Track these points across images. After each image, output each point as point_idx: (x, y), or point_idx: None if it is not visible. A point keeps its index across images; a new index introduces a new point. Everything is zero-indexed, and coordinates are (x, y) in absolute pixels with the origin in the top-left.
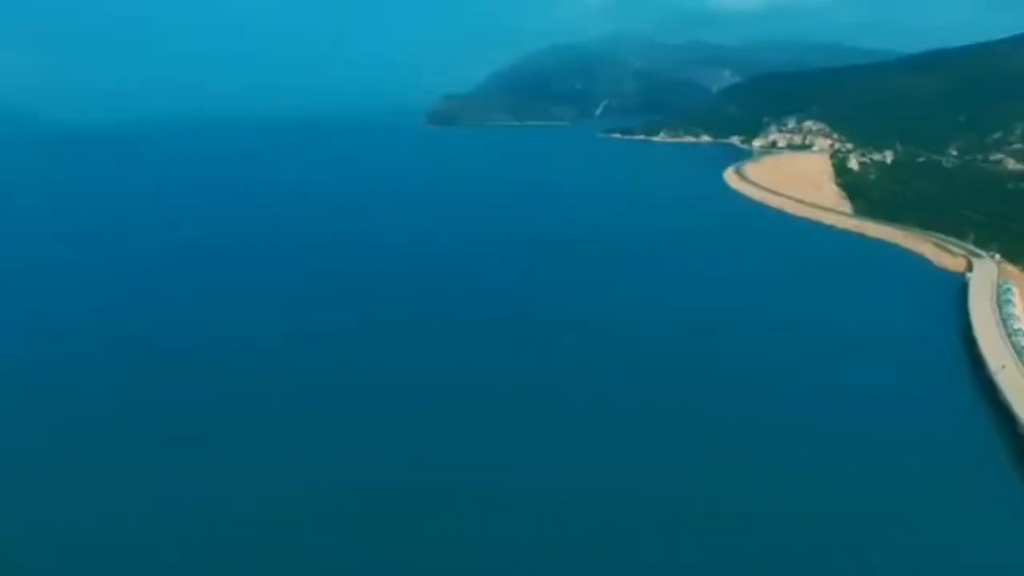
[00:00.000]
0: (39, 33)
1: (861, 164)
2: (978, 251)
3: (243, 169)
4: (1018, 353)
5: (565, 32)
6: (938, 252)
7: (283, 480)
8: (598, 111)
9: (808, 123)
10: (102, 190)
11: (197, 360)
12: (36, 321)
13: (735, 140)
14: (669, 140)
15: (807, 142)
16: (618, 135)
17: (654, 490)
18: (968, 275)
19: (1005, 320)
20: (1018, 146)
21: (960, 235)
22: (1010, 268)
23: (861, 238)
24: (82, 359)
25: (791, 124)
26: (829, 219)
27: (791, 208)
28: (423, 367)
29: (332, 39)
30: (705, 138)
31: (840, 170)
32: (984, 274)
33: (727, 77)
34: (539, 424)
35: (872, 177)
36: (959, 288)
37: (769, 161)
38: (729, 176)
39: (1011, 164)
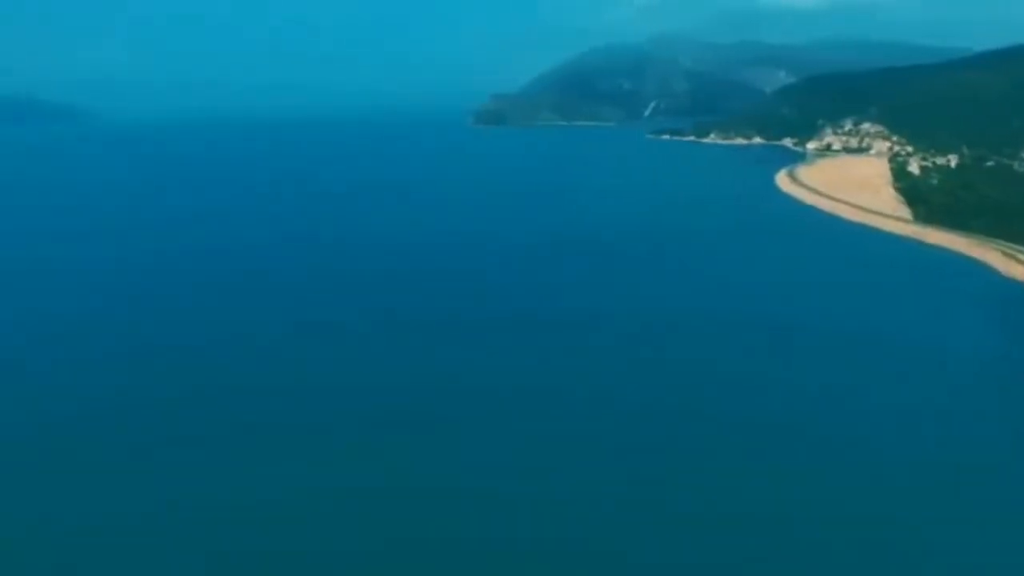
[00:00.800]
0: (85, 32)
1: (922, 168)
2: None
3: (289, 167)
4: None
5: (614, 32)
6: (1006, 261)
7: (305, 478)
8: (647, 112)
9: (866, 125)
10: (160, 185)
11: (237, 352)
12: (71, 312)
13: (788, 142)
14: (720, 142)
15: (864, 145)
16: (667, 136)
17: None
18: None
19: None
20: None
21: None
22: None
23: (921, 245)
24: (120, 350)
25: (847, 126)
26: (887, 225)
27: (845, 213)
28: (466, 367)
29: (384, 40)
30: (757, 140)
31: (899, 174)
32: None
33: (781, 78)
34: (589, 426)
35: (934, 182)
36: None
37: (823, 164)
38: (781, 179)
39: None
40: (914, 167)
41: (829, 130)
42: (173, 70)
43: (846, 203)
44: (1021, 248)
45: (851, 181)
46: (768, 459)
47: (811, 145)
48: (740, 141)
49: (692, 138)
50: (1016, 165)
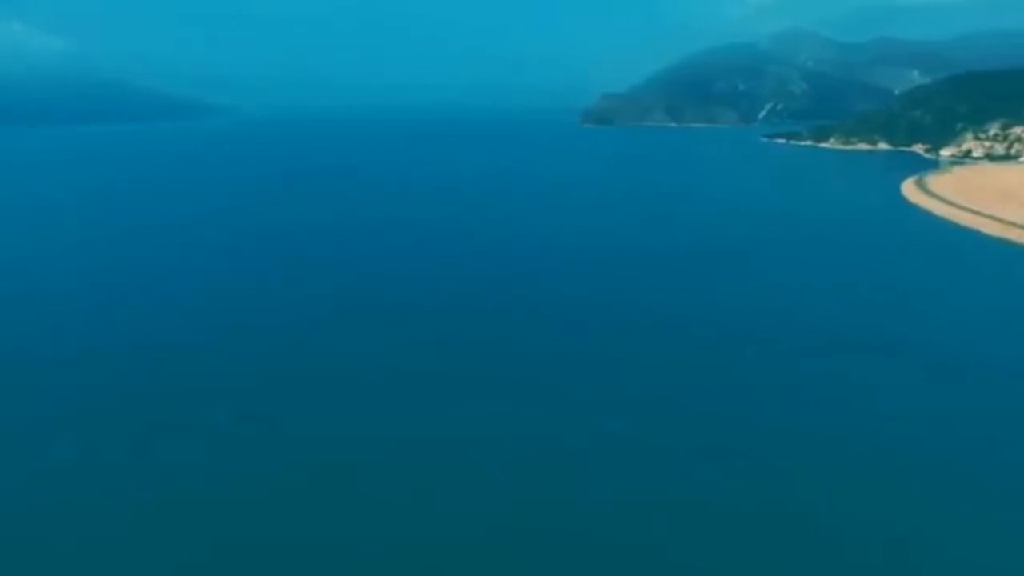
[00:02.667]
0: (205, 30)
1: None
2: None
3: (394, 165)
4: None
5: (732, 32)
6: None
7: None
8: (761, 114)
9: (1017, 129)
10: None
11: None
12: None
13: (919, 149)
14: (840, 147)
15: (1014, 151)
16: (782, 140)
17: None
18: None
19: None
20: None
21: None
22: None
23: None
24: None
25: (993, 131)
26: None
27: (987, 227)
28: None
29: (491, 38)
30: (883, 146)
31: None
32: None
33: (915, 77)
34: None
35: None
36: None
37: (961, 172)
38: (908, 188)
39: None
40: None
41: (970, 135)
42: (297, 69)
43: (989, 216)
44: None
45: (995, 191)
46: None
47: (946, 152)
48: (863, 147)
49: (809, 142)
50: None
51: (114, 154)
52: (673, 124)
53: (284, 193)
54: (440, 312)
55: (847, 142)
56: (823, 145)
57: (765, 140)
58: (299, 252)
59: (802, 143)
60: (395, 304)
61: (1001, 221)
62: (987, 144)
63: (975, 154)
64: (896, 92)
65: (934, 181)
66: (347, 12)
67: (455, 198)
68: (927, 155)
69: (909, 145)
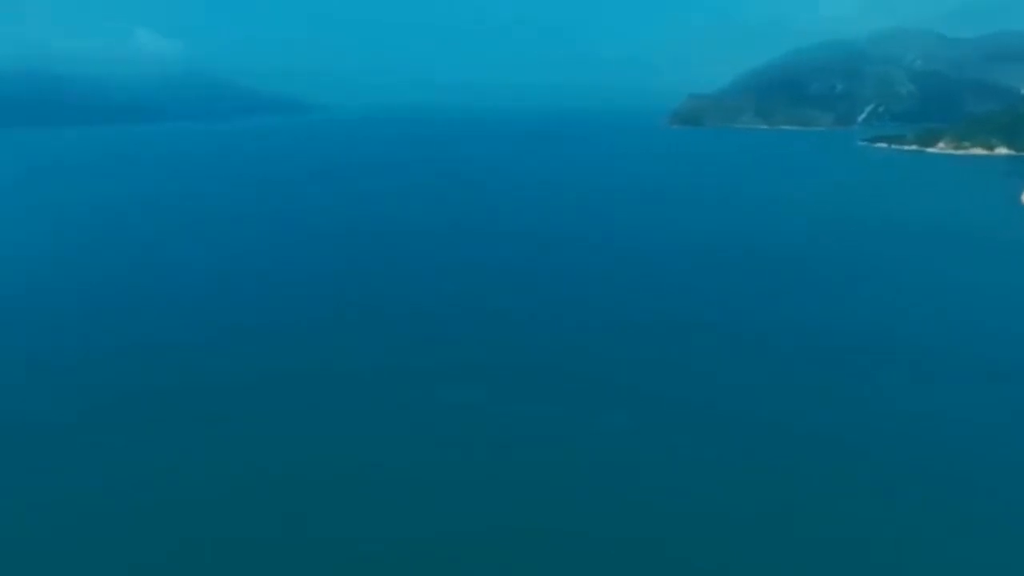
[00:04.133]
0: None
1: None
2: None
3: (493, 165)
4: None
5: (828, 30)
6: None
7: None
8: (861, 117)
9: None
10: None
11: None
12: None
13: None
14: (951, 152)
15: None
16: (883, 144)
17: None
18: None
19: None
20: None
21: None
22: None
23: None
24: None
25: None
26: None
27: None
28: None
29: (581, 39)
30: (1002, 151)
31: None
32: None
33: None
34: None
35: None
36: None
37: None
38: None
39: None
40: None
41: None
42: (392, 69)
43: None
44: None
45: None
46: None
47: None
48: (977, 151)
49: (915, 147)
50: None
51: (214, 152)
52: (763, 126)
53: (382, 188)
54: (548, 314)
55: (959, 146)
56: (931, 150)
57: (863, 144)
58: (395, 251)
59: (906, 147)
60: (508, 309)
61: None
62: None
63: None
64: (1022, 91)
65: None
66: (439, 15)
67: (554, 200)
68: None
69: None
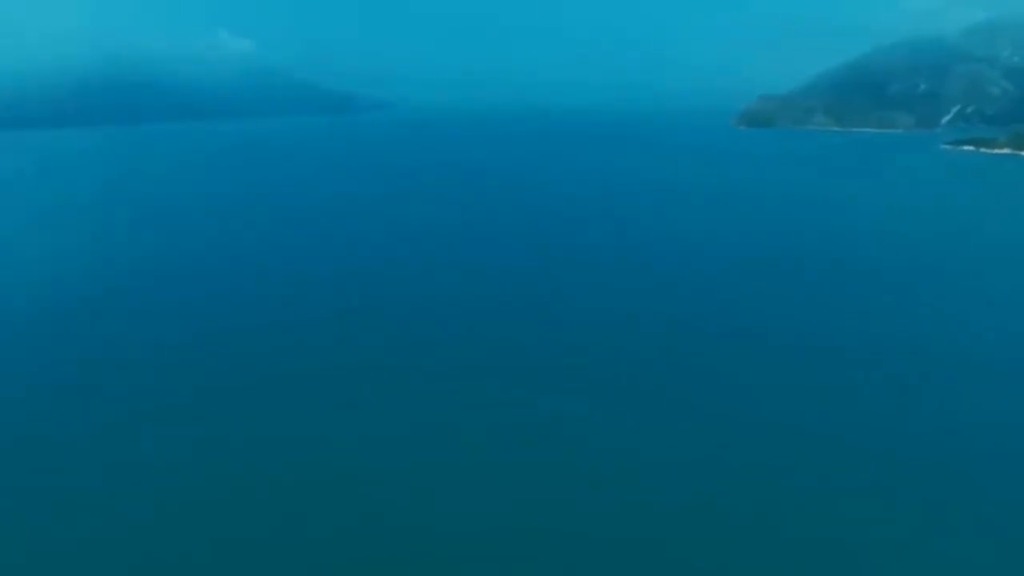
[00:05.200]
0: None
1: None
2: None
3: (541, 167)
4: None
5: (911, 27)
6: None
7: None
8: (946, 118)
9: None
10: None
11: None
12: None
13: None
14: None
15: None
16: (970, 147)
17: None
18: None
19: None
20: None
21: None
22: None
23: None
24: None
25: None
26: None
27: None
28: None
29: (644, 38)
30: None
31: None
32: None
33: None
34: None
35: None
36: None
37: None
38: None
39: None
40: None
41: None
42: (451, 66)
43: None
44: None
45: None
46: None
47: None
48: None
49: (1007, 150)
50: None
51: (284, 146)
52: (836, 128)
53: (449, 188)
54: (621, 317)
55: None
56: None
57: (947, 147)
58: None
59: (996, 151)
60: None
61: None
62: None
63: None
64: None
65: None
66: (508, 14)
67: (620, 205)
68: None
69: None
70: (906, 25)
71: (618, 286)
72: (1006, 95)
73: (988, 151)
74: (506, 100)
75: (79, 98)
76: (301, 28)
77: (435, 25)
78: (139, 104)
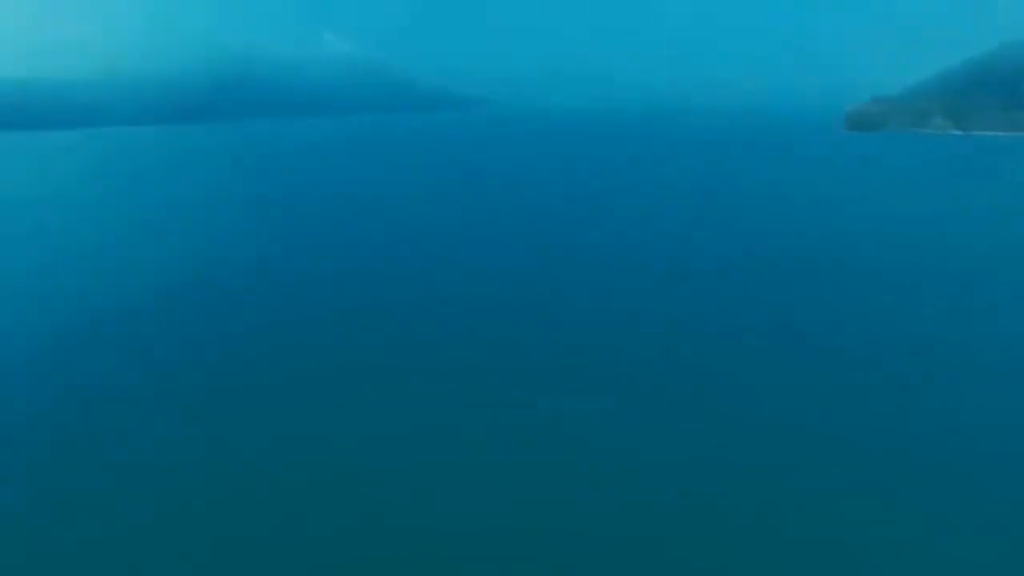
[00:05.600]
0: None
1: None
2: None
3: (639, 174)
4: None
5: None
6: None
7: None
8: None
9: None
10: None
11: None
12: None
13: None
14: None
15: None
16: None
17: None
18: None
19: None
20: None
21: None
22: None
23: None
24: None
25: None
26: None
27: None
28: None
29: (749, 36)
30: None
31: None
32: None
33: None
34: None
35: None
36: None
37: None
38: None
39: None
40: None
41: None
42: (559, 69)
43: None
44: None
45: None
46: None
47: None
48: None
49: None
50: None
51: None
52: (957, 131)
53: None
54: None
55: None
56: None
57: None
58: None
59: None
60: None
61: None
62: None
63: None
64: None
65: None
66: (612, 14)
67: (725, 217)
68: None
69: None
70: None
71: (734, 294)
72: None
73: None
74: (613, 101)
75: (209, 95)
76: (400, 29)
77: (546, 27)
78: (261, 102)
